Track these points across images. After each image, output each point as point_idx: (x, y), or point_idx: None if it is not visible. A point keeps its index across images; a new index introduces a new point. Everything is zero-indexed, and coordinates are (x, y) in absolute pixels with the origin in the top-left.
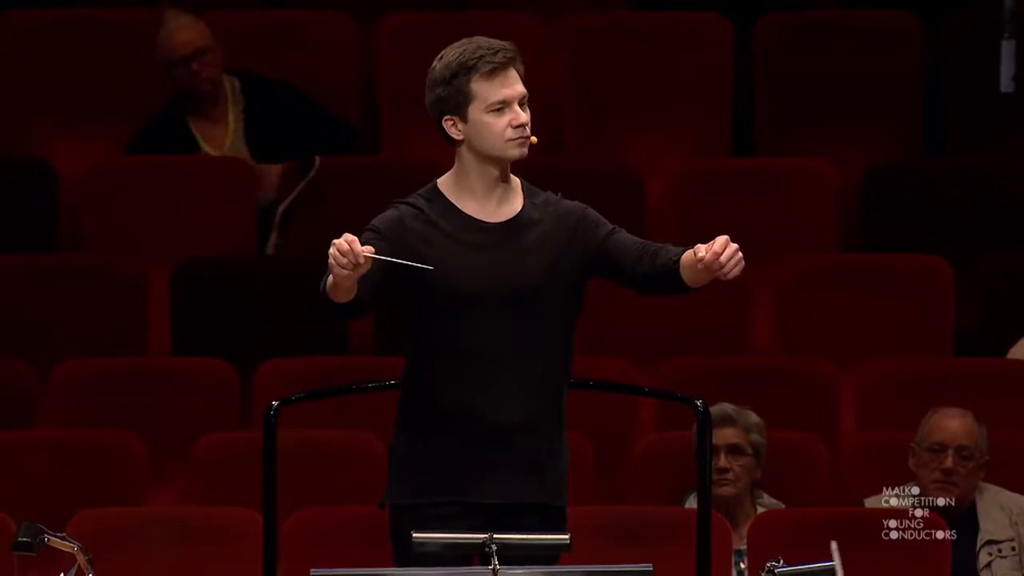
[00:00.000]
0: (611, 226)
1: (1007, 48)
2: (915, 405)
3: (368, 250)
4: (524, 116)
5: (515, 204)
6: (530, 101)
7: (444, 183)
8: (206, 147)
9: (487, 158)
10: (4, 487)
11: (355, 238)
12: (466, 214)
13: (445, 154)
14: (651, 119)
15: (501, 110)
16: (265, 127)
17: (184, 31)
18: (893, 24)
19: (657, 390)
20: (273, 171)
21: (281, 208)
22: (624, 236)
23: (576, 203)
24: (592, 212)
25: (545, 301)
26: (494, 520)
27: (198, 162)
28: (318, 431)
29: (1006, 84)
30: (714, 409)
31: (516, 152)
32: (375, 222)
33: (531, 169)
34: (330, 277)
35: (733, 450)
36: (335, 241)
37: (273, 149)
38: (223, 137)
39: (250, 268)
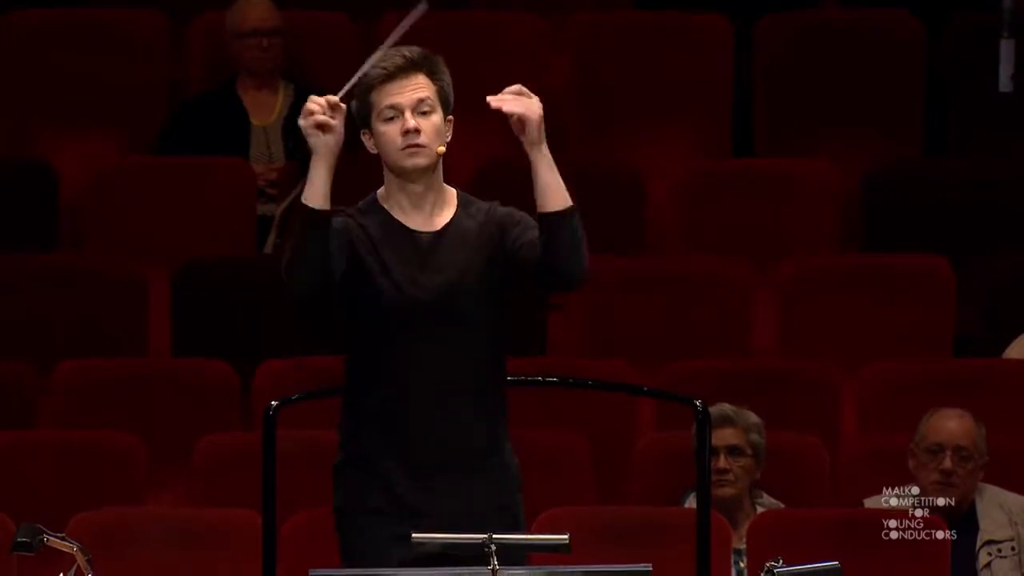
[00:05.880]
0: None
1: (1006, 47)
2: (916, 406)
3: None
4: (412, 122)
5: (447, 214)
6: None
7: (382, 195)
8: (254, 119)
9: (396, 170)
10: (4, 488)
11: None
12: (400, 224)
13: (446, 154)
14: (652, 120)
15: (393, 118)
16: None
17: (263, 7)
18: (893, 25)
19: (656, 390)
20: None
21: (280, 208)
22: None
23: (508, 208)
24: (518, 212)
25: (469, 305)
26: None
27: (198, 163)
28: (318, 432)
29: (1005, 84)
30: (713, 410)
31: (409, 162)
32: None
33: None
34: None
35: (733, 451)
36: (308, 106)
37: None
38: (270, 114)
39: (250, 269)
